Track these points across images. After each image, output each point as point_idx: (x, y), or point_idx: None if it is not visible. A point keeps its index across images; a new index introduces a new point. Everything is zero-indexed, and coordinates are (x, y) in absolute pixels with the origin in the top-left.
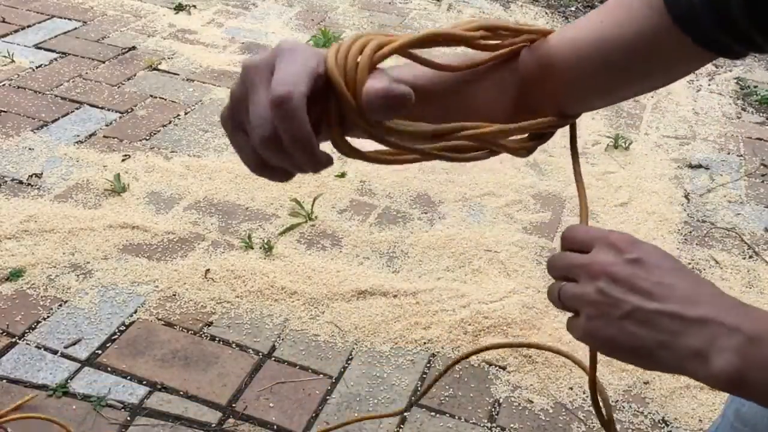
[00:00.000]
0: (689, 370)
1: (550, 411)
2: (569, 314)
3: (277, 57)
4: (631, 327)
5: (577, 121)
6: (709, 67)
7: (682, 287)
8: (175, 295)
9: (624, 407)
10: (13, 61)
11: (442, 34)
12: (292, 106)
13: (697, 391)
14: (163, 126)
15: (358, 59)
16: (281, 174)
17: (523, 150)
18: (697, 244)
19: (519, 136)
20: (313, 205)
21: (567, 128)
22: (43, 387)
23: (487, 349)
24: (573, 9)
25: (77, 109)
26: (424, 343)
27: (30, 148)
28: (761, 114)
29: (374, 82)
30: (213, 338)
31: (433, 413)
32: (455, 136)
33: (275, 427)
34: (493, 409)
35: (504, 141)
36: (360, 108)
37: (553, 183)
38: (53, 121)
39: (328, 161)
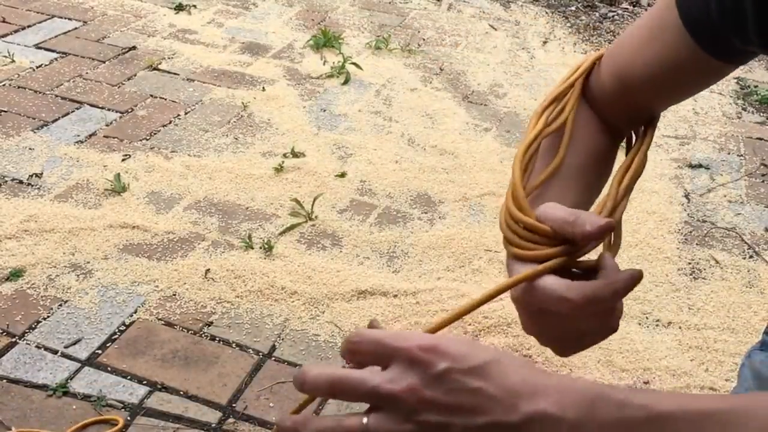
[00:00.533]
0: None
1: None
2: None
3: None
4: None
5: None
6: None
7: (497, 387)
8: (175, 294)
9: None
10: (13, 61)
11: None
12: None
13: (697, 391)
14: (163, 126)
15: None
16: None
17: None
18: (697, 244)
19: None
20: (313, 205)
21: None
22: (43, 387)
23: None
24: (573, 9)
25: (77, 109)
26: None
27: (30, 148)
28: (761, 114)
29: (593, 219)
30: (213, 338)
31: None
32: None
33: (275, 426)
34: None
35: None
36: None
37: None
38: (53, 121)
39: None
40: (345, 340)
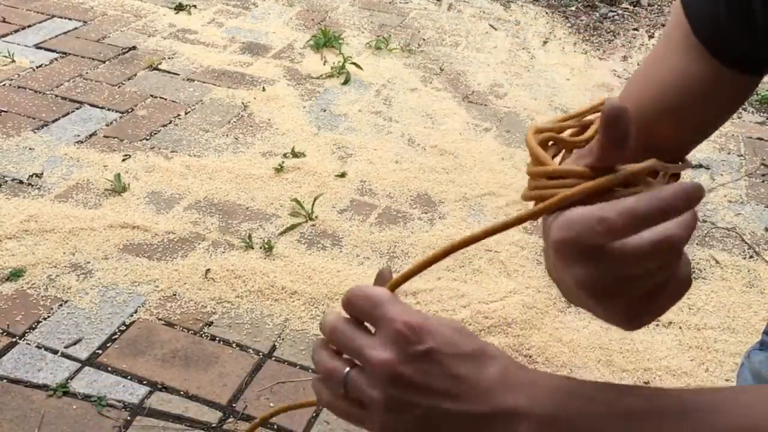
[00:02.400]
0: None
1: None
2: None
3: None
4: (426, 428)
5: None
6: None
7: (473, 377)
8: (175, 294)
9: None
10: (13, 61)
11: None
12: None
13: None
14: (164, 126)
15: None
16: None
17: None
18: (697, 244)
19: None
20: (313, 205)
21: None
22: (43, 387)
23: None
24: (573, 9)
25: (77, 108)
26: None
27: (30, 148)
28: (761, 114)
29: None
30: (213, 338)
31: None
32: None
33: (275, 426)
34: None
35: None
36: None
37: None
38: (53, 121)
39: None
40: (347, 291)
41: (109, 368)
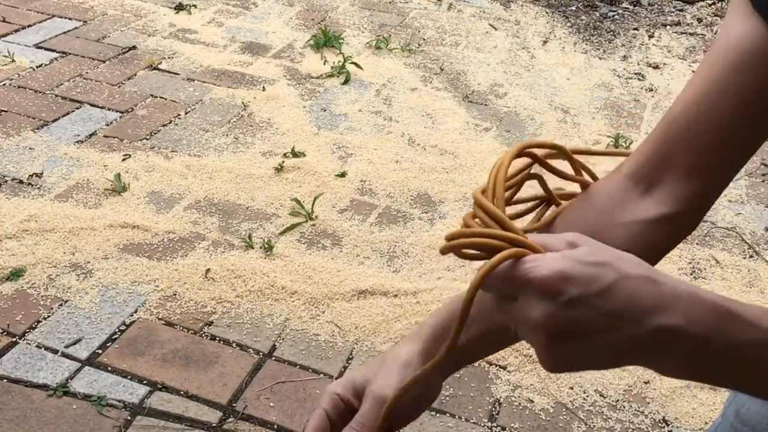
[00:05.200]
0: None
1: (551, 410)
2: None
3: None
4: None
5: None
6: None
7: (625, 306)
8: (175, 294)
9: (624, 407)
10: (13, 60)
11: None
12: None
13: (698, 390)
14: (164, 126)
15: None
16: None
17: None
18: (697, 243)
19: None
20: (313, 205)
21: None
22: (43, 387)
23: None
24: (573, 9)
25: (77, 108)
26: None
27: (30, 148)
28: None
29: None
30: (213, 338)
31: (433, 413)
32: None
33: (275, 426)
34: (493, 409)
35: None
36: None
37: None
38: (54, 121)
39: None
40: (479, 272)
41: (109, 368)
